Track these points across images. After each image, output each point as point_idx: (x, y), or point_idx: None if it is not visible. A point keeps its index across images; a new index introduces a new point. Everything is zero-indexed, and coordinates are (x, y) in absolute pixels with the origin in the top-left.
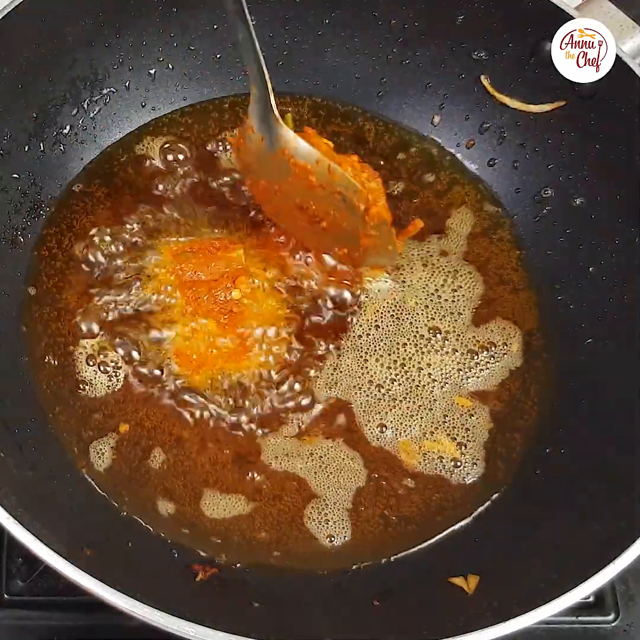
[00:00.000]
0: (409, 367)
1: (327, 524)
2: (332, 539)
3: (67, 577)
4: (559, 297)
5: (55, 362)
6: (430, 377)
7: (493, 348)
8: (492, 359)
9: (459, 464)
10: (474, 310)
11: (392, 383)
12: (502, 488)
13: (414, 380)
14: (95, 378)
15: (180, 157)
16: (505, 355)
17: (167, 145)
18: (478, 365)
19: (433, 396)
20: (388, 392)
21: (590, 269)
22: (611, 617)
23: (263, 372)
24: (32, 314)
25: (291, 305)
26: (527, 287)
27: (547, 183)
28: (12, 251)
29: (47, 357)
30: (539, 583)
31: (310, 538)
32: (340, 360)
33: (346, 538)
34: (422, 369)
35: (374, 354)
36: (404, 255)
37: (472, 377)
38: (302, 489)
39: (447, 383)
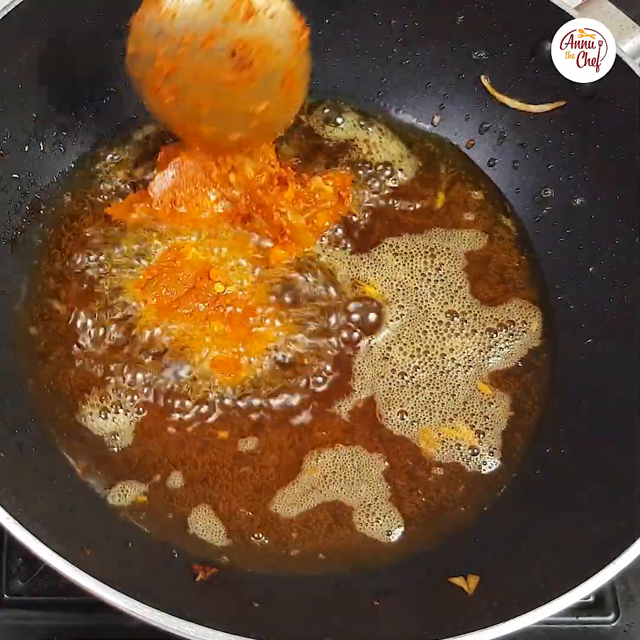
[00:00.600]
0: (433, 354)
1: (379, 522)
2: (390, 533)
3: (67, 577)
4: (559, 297)
5: (55, 363)
6: (453, 361)
7: (512, 326)
8: (511, 336)
9: (476, 451)
10: (470, 280)
11: (416, 370)
12: (502, 488)
13: (437, 366)
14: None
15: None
16: (524, 334)
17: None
18: (497, 344)
19: (457, 381)
20: (411, 380)
21: (590, 269)
22: (611, 617)
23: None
24: (32, 314)
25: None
26: (527, 287)
27: (547, 183)
28: (12, 251)
29: (46, 358)
30: (539, 583)
31: (370, 540)
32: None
33: (401, 527)
34: (445, 355)
35: (399, 342)
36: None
37: (493, 356)
38: (336, 508)
39: (470, 367)
